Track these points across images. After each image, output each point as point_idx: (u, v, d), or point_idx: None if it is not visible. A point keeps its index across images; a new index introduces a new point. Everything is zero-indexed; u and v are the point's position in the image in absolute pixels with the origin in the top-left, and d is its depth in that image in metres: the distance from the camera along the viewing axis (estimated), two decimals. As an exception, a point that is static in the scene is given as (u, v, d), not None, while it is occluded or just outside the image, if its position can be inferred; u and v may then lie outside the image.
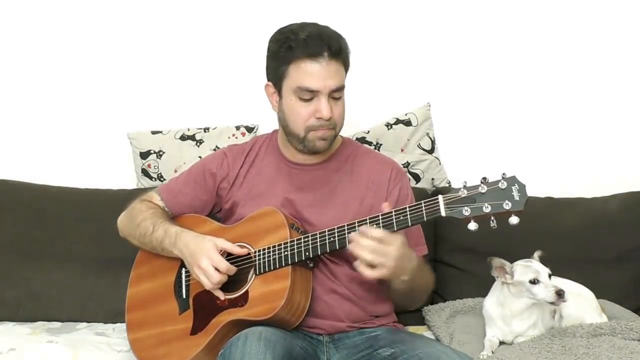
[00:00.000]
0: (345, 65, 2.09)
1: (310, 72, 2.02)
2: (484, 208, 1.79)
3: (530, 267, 2.23)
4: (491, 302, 2.35)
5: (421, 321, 2.64)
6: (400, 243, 1.89)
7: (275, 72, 2.10)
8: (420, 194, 2.58)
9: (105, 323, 2.66)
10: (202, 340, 2.03)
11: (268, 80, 2.16)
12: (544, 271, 2.22)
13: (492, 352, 2.25)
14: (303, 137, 2.11)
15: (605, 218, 2.78)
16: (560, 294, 2.17)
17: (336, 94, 2.07)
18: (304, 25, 2.07)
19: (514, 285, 2.26)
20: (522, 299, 2.25)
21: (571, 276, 2.50)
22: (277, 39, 2.08)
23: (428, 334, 2.54)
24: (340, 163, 2.23)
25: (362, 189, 2.18)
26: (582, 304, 2.38)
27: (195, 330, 2.07)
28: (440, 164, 2.94)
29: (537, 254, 2.32)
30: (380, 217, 1.91)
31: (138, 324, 2.21)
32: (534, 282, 2.21)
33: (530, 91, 3.04)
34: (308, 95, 2.04)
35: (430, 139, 2.92)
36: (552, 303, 2.21)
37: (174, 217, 2.28)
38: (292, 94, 2.07)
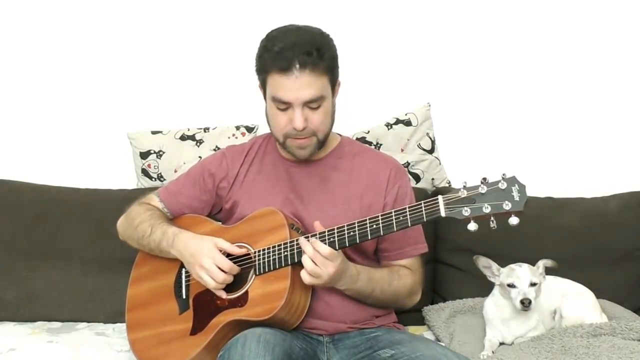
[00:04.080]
0: (328, 73, 2.05)
1: (281, 85, 2.01)
2: (483, 208, 1.79)
3: (513, 271, 2.25)
4: (489, 303, 2.36)
5: (421, 321, 2.65)
6: (339, 262, 1.95)
7: (259, 78, 2.11)
8: (420, 194, 2.58)
9: (105, 323, 2.66)
10: (201, 341, 2.03)
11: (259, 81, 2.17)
12: (525, 278, 2.23)
13: (492, 352, 2.25)
14: (282, 142, 2.12)
15: (605, 218, 2.78)
16: (523, 302, 2.20)
17: (313, 104, 2.04)
18: (285, 32, 2.05)
19: (501, 287, 2.28)
20: (509, 300, 2.27)
21: (571, 276, 2.51)
22: (260, 47, 2.08)
23: (428, 334, 2.55)
24: (339, 161, 2.23)
25: (361, 187, 2.17)
26: (582, 303, 2.38)
27: (195, 331, 2.07)
28: (440, 164, 2.93)
29: (542, 262, 2.33)
30: (380, 218, 1.91)
31: (138, 324, 2.21)
32: (511, 285, 2.23)
33: (530, 91, 3.04)
34: (283, 105, 2.04)
35: (430, 139, 2.92)
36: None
37: (173, 219, 2.28)
38: (271, 101, 2.07)
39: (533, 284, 2.22)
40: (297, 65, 1.98)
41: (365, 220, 1.93)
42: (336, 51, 2.09)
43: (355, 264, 2.05)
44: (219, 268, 2.01)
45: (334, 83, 2.10)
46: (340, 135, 2.31)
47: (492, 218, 1.79)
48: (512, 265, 2.27)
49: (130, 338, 2.21)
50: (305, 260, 1.93)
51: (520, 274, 2.23)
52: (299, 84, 1.99)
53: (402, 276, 2.15)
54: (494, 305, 2.32)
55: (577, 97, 3.04)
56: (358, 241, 1.93)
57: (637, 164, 3.03)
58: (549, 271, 2.34)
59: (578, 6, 3.01)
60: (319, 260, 1.92)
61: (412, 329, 2.53)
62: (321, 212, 2.12)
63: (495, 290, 2.33)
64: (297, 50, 1.98)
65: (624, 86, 3.04)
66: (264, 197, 2.18)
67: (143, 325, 2.19)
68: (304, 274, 1.94)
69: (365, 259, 2.18)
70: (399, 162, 2.32)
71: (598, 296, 2.45)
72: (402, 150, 2.88)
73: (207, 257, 2.01)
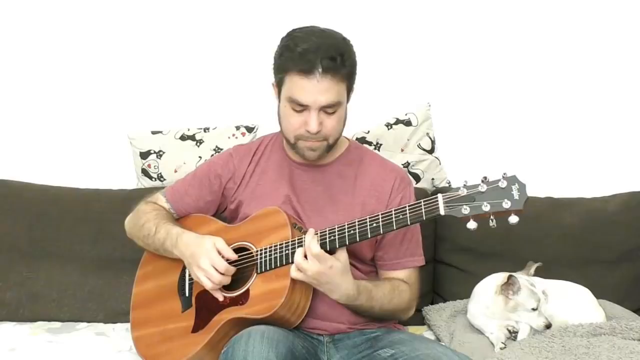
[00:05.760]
0: (347, 80, 2.05)
1: (301, 87, 2.00)
2: (483, 207, 1.79)
3: (535, 295, 2.25)
4: (474, 308, 2.38)
5: (421, 321, 2.65)
6: (328, 267, 1.92)
7: (276, 76, 2.10)
8: (420, 194, 2.57)
9: (105, 323, 2.66)
10: (202, 338, 2.03)
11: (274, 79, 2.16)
12: (542, 297, 2.25)
13: (503, 342, 2.25)
14: (293, 143, 2.11)
15: (605, 218, 2.78)
16: (548, 326, 2.24)
17: (329, 109, 2.03)
18: (309, 34, 2.04)
19: (514, 302, 2.27)
20: (512, 314, 2.28)
21: (571, 276, 2.53)
22: (281, 45, 2.07)
23: (428, 333, 2.55)
24: (345, 167, 2.22)
25: (363, 195, 2.17)
26: (581, 303, 2.39)
27: (196, 328, 2.08)
28: (440, 164, 2.93)
29: (533, 268, 2.33)
30: (380, 216, 1.92)
31: (142, 322, 2.22)
32: (535, 309, 2.24)
33: (530, 91, 3.04)
34: (299, 107, 2.03)
35: (430, 139, 2.92)
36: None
37: (179, 219, 2.29)
38: (286, 101, 2.06)
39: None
40: (320, 69, 1.97)
41: (366, 218, 1.93)
42: (356, 59, 2.09)
43: (358, 282, 2.02)
44: (216, 269, 2.01)
45: (350, 90, 2.10)
46: (349, 139, 2.31)
47: (491, 217, 1.79)
48: (527, 284, 2.26)
49: (133, 336, 2.22)
50: (297, 252, 1.94)
51: (540, 294, 2.25)
52: (319, 88, 1.99)
53: (401, 292, 2.14)
54: (484, 307, 2.34)
55: (577, 97, 3.03)
56: (358, 239, 1.93)
57: (637, 164, 3.03)
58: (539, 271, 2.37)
59: (578, 6, 3.01)
60: (309, 255, 1.92)
61: (413, 329, 2.53)
62: (321, 217, 2.12)
63: (484, 297, 2.34)
64: (321, 54, 1.97)
65: (624, 86, 3.03)
66: (267, 197, 2.18)
67: (146, 323, 2.21)
68: (292, 266, 1.95)
69: (364, 265, 2.18)
70: (405, 172, 2.32)
71: (598, 296, 2.45)
72: (402, 150, 2.88)
73: (205, 257, 2.01)
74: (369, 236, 1.93)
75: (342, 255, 1.97)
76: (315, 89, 1.99)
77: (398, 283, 2.14)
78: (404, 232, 2.15)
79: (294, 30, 2.08)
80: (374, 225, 1.92)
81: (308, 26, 2.09)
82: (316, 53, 1.97)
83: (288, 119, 2.07)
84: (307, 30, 2.06)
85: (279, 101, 2.12)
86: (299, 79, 1.99)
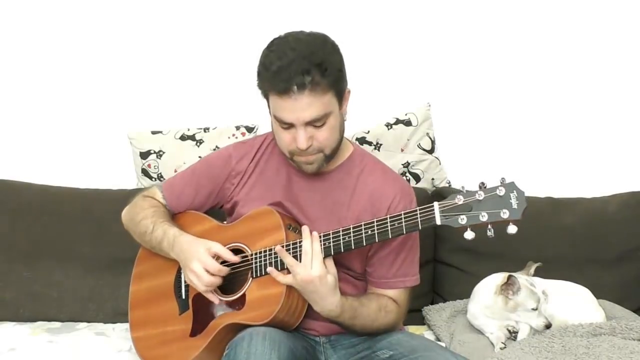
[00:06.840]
0: (331, 88, 1.94)
1: (282, 107, 1.93)
2: (480, 217, 1.75)
3: (535, 295, 2.25)
4: (475, 308, 2.39)
5: (421, 321, 2.66)
6: (316, 277, 1.90)
7: (262, 94, 2.03)
8: (420, 194, 2.57)
9: (105, 323, 2.67)
10: (201, 343, 2.03)
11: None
12: (542, 297, 2.25)
13: (503, 342, 2.26)
14: (290, 158, 2.06)
15: (605, 218, 2.78)
16: (548, 326, 2.25)
17: (316, 123, 1.95)
18: (284, 46, 1.93)
19: (514, 302, 2.27)
20: (512, 314, 2.28)
21: (571, 276, 2.53)
22: (259, 62, 1.99)
23: (428, 333, 2.56)
24: (345, 177, 2.15)
25: (360, 208, 2.11)
26: (581, 303, 2.40)
27: (194, 332, 2.08)
28: (440, 164, 2.93)
29: (533, 268, 2.33)
30: (375, 223, 1.89)
31: (140, 322, 2.23)
32: (534, 309, 2.25)
33: (530, 91, 3.03)
34: (285, 125, 1.97)
35: (430, 139, 2.91)
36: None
37: (174, 215, 2.27)
38: (274, 118, 2.01)
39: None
40: (295, 88, 1.88)
41: (361, 225, 1.91)
42: (341, 61, 1.98)
43: (343, 301, 1.97)
44: (207, 271, 2.00)
45: (340, 95, 1.99)
46: (354, 145, 2.24)
47: (489, 226, 1.76)
48: (527, 284, 2.26)
49: (133, 336, 2.23)
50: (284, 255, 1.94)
51: (540, 294, 2.26)
52: (298, 106, 1.91)
53: (388, 313, 2.08)
54: (484, 307, 2.34)
55: (576, 97, 3.03)
56: (353, 247, 1.91)
57: (637, 164, 3.02)
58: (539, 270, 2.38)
59: (578, 6, 3.00)
60: (305, 259, 1.91)
61: (412, 329, 2.54)
62: (314, 227, 2.03)
63: (484, 297, 2.34)
64: (294, 70, 1.87)
65: (624, 86, 3.03)
66: (261, 200, 2.14)
67: (145, 325, 2.21)
68: (275, 272, 1.95)
69: (357, 273, 2.15)
70: (406, 185, 2.21)
71: (598, 296, 2.46)
72: (402, 150, 2.88)
73: (196, 260, 2.00)
74: (364, 244, 1.90)
75: (332, 269, 1.95)
76: (294, 107, 1.91)
77: (386, 303, 2.08)
78: (397, 253, 2.10)
79: (272, 42, 1.98)
80: (369, 232, 1.89)
81: (288, 34, 1.99)
82: (288, 71, 1.88)
83: (279, 135, 2.03)
84: (283, 41, 1.96)
85: (270, 114, 2.06)
86: (278, 99, 1.92)
